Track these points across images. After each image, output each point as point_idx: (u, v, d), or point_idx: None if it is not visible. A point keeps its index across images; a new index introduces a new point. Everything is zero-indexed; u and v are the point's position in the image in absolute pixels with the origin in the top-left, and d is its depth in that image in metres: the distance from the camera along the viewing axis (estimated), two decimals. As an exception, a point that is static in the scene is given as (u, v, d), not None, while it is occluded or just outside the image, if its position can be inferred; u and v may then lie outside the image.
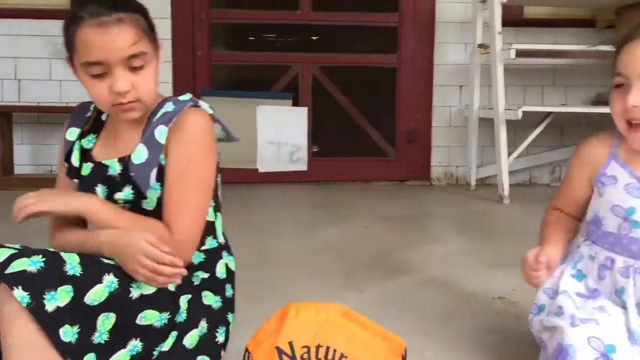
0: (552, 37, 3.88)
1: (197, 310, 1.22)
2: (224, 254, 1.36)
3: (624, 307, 1.13)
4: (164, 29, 3.74)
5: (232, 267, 1.39)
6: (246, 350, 1.11)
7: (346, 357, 1.05)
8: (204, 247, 1.30)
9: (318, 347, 1.05)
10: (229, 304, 1.34)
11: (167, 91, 3.77)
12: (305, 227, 2.69)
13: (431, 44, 3.89)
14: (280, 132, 3.88)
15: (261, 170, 3.88)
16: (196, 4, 3.78)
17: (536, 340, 1.20)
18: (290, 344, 1.06)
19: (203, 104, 1.27)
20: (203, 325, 1.22)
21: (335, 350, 1.05)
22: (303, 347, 1.06)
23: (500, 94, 3.26)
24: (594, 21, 3.91)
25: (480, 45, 3.56)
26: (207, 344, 1.22)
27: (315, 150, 4.10)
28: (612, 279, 1.17)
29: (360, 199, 3.41)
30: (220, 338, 1.25)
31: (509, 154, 3.34)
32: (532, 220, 1.47)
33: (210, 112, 1.27)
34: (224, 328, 1.27)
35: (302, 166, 3.91)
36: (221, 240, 1.35)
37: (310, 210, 3.12)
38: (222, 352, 1.27)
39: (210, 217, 1.29)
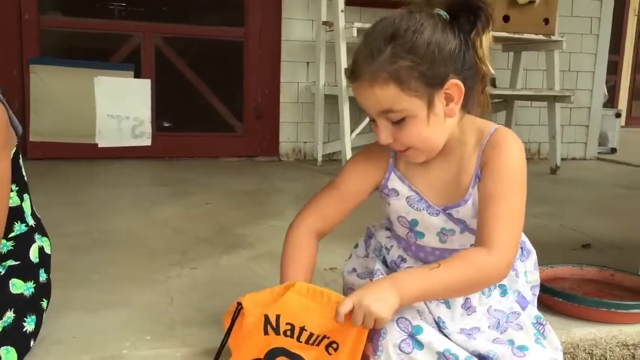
0: (394, 18, 4.03)
1: (1, 301, 1.13)
2: (37, 236, 1.27)
3: None
4: (-17, -13, 3.36)
5: (47, 249, 1.29)
6: (239, 304, 1.06)
7: (328, 337, 1.01)
8: (12, 234, 1.20)
9: (302, 329, 1.02)
10: (43, 290, 1.24)
11: (-9, 58, 3.41)
12: (144, 204, 2.58)
13: (278, 20, 3.87)
14: (121, 105, 3.67)
15: (101, 145, 3.66)
16: (22, -37, 3.43)
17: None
18: (278, 317, 1.03)
19: None
20: (9, 315, 1.13)
21: (319, 335, 1.02)
22: (287, 323, 1.03)
23: (343, 71, 3.34)
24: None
25: (324, 23, 3.61)
26: (12, 334, 1.12)
27: (166, 125, 3.95)
28: None
29: (206, 175, 3.34)
30: (29, 327, 1.16)
31: (352, 131, 3.44)
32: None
33: None
34: (34, 316, 1.18)
35: (146, 141, 3.75)
36: (31, 222, 1.26)
37: (151, 188, 2.99)
38: (32, 341, 1.18)
39: (14, 201, 1.19)
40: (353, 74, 1.06)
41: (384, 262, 1.22)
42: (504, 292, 1.14)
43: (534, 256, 1.22)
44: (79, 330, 1.28)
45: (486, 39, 1.07)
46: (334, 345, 1.01)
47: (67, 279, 1.56)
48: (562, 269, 1.64)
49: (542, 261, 1.59)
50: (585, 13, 4.42)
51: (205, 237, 2.07)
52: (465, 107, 1.11)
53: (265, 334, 1.04)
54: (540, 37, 3.63)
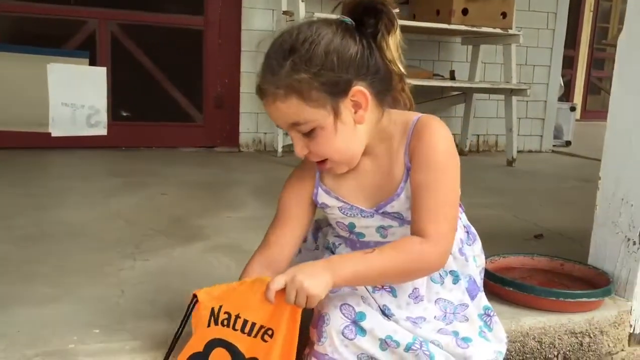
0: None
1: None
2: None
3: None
4: None
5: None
6: (194, 296, 1.04)
7: (263, 326, 1.00)
8: None
9: (237, 317, 1.01)
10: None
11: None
12: (97, 195, 2.52)
13: (238, 8, 3.82)
14: (75, 93, 3.57)
15: (54, 134, 3.55)
16: (-30, -57, 3.30)
17: None
18: (220, 307, 1.03)
19: None
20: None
21: (254, 323, 1.01)
22: (225, 312, 1.02)
23: (303, 61, 3.32)
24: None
25: (285, 12, 3.58)
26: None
27: (123, 114, 3.86)
28: None
29: (164, 165, 3.28)
30: (-30, 321, 1.11)
31: (312, 121, 3.42)
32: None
33: None
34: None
35: (102, 131, 3.66)
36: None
37: (106, 178, 2.92)
38: (-27, 337, 1.13)
39: None
40: (259, 91, 1.06)
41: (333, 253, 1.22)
42: (456, 279, 1.15)
43: (479, 240, 1.24)
44: (24, 325, 1.24)
45: (393, 40, 1.06)
46: (269, 332, 1.01)
47: (13, 272, 1.51)
48: (514, 259, 1.67)
49: (495, 251, 1.62)
50: (542, 8, 4.50)
51: (160, 228, 2.03)
52: (381, 109, 1.10)
53: (207, 327, 1.03)
54: (498, 30, 3.68)
